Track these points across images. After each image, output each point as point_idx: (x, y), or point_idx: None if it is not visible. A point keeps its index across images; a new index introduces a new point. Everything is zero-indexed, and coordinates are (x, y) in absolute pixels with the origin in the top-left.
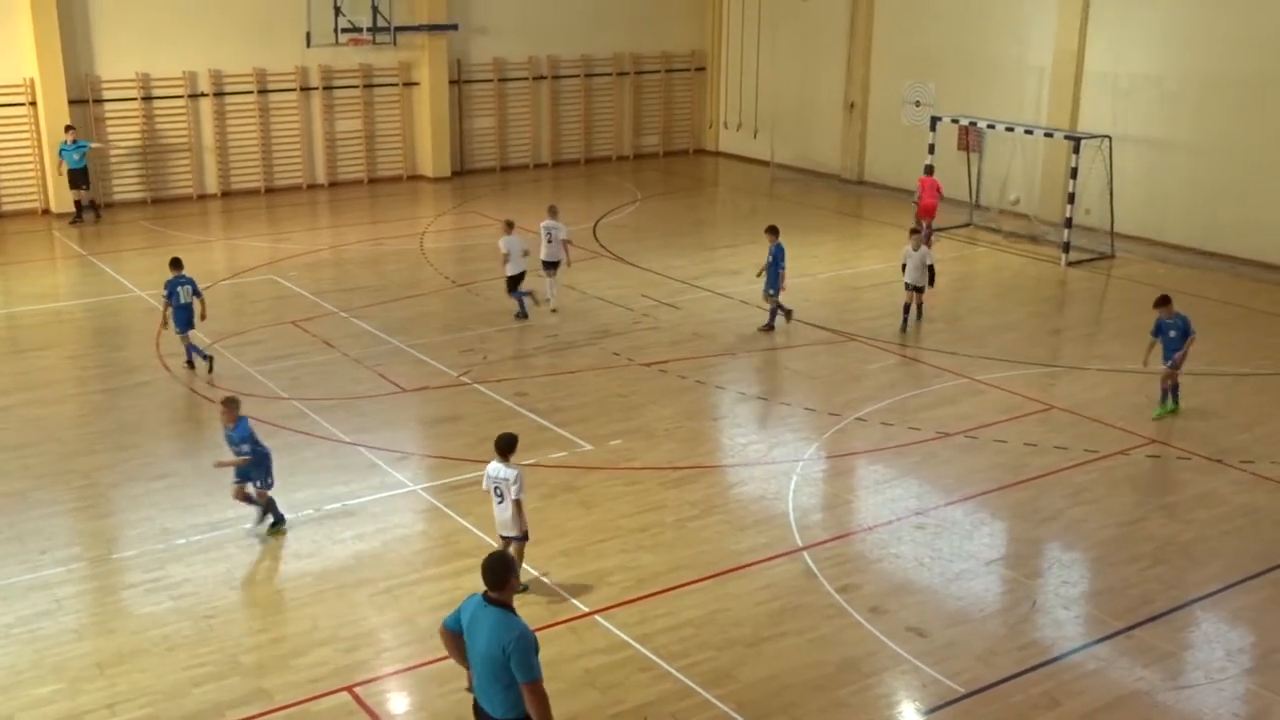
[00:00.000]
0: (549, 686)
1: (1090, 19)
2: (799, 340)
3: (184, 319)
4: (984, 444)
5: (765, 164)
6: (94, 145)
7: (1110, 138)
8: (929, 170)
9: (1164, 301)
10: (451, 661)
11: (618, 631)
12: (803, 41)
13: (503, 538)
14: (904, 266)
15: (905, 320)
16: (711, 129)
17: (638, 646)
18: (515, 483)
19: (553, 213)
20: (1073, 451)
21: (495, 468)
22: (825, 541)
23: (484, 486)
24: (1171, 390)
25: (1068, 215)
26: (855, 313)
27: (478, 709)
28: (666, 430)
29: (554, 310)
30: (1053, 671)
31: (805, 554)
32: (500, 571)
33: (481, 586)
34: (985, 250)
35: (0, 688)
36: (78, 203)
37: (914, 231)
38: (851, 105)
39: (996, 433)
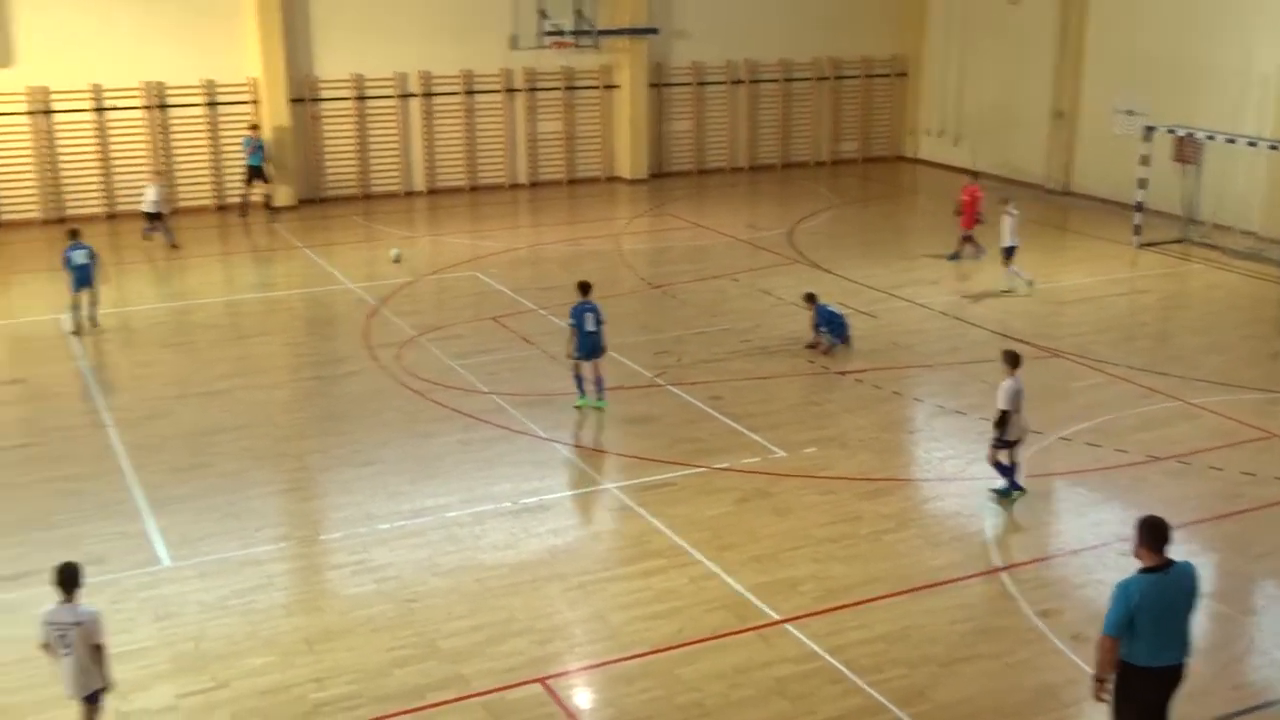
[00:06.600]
0: (736, 694)
1: None
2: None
3: (81, 280)
4: (1197, 470)
5: (967, 172)
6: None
7: None
8: (975, 176)
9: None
10: (637, 663)
11: (809, 641)
12: (1008, 47)
13: (84, 700)
14: None
15: None
16: (912, 135)
17: (828, 658)
18: (93, 624)
19: (1006, 202)
20: None
21: (57, 611)
22: (1024, 563)
23: (42, 638)
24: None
25: None
26: (1059, 328)
27: (1170, 672)
28: (861, 440)
29: (1029, 283)
30: (1269, 716)
31: (1003, 575)
32: (1167, 528)
33: None
34: (1200, 267)
35: (219, 655)
36: (245, 199)
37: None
38: (1060, 113)
39: (1211, 459)
